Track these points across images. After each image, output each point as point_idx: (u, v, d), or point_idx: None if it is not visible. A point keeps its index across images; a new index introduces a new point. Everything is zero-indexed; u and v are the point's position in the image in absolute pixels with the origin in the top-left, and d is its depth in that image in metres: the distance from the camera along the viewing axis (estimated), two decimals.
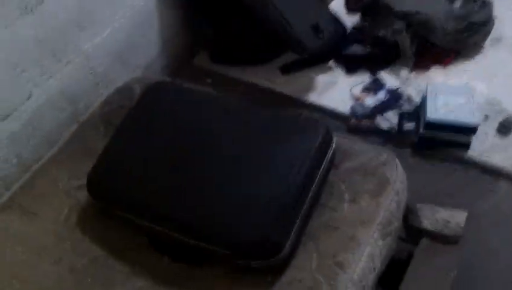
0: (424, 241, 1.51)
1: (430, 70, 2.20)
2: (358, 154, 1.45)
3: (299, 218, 1.27)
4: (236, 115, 1.40)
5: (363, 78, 2.18)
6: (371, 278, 1.30)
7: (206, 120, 1.39)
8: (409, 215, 1.53)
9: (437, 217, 1.53)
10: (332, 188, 1.38)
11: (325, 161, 1.35)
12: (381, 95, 2.07)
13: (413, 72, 2.18)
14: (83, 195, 1.40)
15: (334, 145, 1.38)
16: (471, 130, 1.89)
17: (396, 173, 1.43)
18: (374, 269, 1.31)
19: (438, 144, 1.93)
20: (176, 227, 1.28)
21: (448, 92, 1.96)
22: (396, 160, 1.46)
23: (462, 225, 1.49)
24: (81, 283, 1.29)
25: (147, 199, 1.31)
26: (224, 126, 1.36)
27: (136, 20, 1.98)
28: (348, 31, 2.31)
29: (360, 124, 2.01)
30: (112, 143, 1.42)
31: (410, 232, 1.54)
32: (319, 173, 1.33)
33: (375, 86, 2.13)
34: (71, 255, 1.34)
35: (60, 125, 1.70)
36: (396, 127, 1.99)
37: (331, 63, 2.27)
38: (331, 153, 1.37)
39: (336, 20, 2.25)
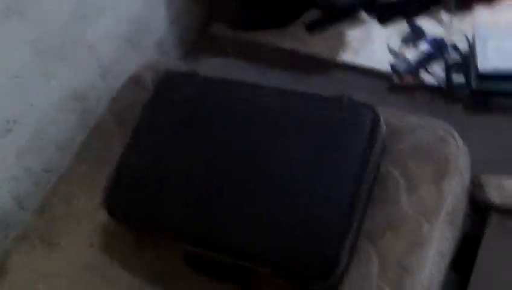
0: (494, 218, 1.32)
1: (475, 10, 1.94)
2: (409, 131, 1.25)
3: (354, 222, 1.09)
4: (268, 109, 1.20)
5: (400, 28, 1.94)
6: (442, 273, 1.14)
7: (232, 118, 1.21)
8: (473, 189, 1.33)
9: (506, 188, 1.33)
10: (385, 178, 1.19)
11: (375, 149, 1.15)
12: (423, 46, 1.83)
13: (456, 15, 1.93)
14: (103, 214, 1.24)
15: (383, 129, 1.18)
16: None
17: (457, 149, 1.23)
18: (445, 265, 1.15)
19: (494, 96, 1.70)
20: (217, 247, 1.13)
21: (499, 35, 1.71)
22: (455, 133, 1.25)
23: None
24: None
25: (178, 217, 1.15)
26: (254, 123, 1.18)
27: None
28: None
29: (403, 82, 1.79)
30: (128, 151, 1.26)
31: (476, 206, 1.34)
32: (371, 164, 1.14)
33: (415, 36, 1.88)
34: (103, 287, 1.20)
35: (70, 130, 1.53)
36: (444, 82, 1.76)
37: (362, 14, 2.03)
38: (381, 139, 1.18)
39: None
